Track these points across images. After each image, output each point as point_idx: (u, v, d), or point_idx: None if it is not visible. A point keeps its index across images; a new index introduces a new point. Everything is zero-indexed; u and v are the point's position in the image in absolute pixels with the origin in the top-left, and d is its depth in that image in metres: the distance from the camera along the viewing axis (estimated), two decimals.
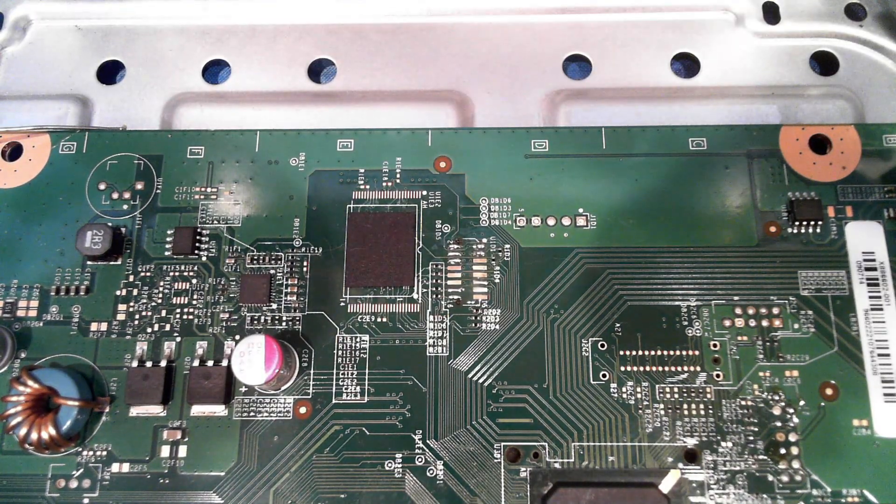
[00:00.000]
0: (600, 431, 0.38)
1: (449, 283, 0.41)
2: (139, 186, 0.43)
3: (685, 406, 0.38)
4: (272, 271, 0.41)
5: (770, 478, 0.37)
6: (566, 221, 0.41)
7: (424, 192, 0.42)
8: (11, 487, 0.38)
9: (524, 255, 0.41)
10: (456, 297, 0.40)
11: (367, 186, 0.42)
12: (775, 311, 0.40)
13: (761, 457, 0.37)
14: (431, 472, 0.38)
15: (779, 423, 0.38)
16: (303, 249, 0.41)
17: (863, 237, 0.41)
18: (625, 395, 0.39)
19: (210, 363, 0.39)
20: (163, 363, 0.39)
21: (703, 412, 0.38)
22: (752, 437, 0.38)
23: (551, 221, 0.41)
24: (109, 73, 0.50)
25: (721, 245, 0.41)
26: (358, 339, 0.40)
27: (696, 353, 0.39)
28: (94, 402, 0.38)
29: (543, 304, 0.40)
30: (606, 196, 0.42)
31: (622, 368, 0.39)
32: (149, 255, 0.41)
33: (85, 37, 0.50)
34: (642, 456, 0.38)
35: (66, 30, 0.51)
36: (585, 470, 0.38)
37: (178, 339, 0.40)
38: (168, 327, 0.40)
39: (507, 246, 0.41)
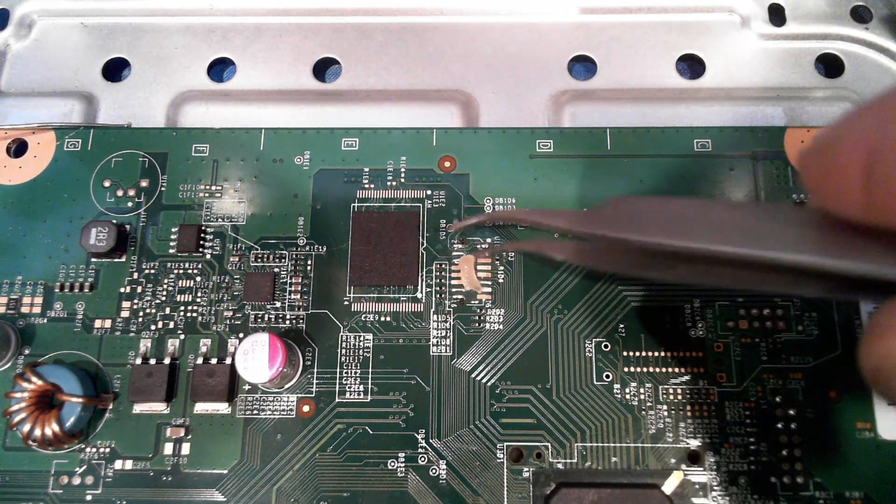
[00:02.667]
0: (603, 432, 0.38)
1: (453, 282, 0.41)
2: (144, 184, 0.43)
3: (688, 407, 0.38)
4: (276, 269, 0.41)
5: (772, 480, 0.37)
6: None
7: (429, 192, 0.42)
8: (15, 484, 0.38)
9: (528, 255, 0.41)
10: (460, 296, 0.40)
11: (372, 185, 0.42)
12: (779, 312, 0.39)
13: (764, 459, 0.37)
14: (434, 471, 0.38)
15: (781, 425, 0.38)
16: (307, 248, 0.41)
17: None
18: (628, 396, 0.39)
19: (214, 361, 0.39)
20: (166, 360, 0.39)
21: (706, 414, 0.38)
22: (754, 439, 0.38)
23: None
24: (115, 70, 0.50)
25: None
26: (361, 338, 0.40)
27: (700, 354, 0.39)
28: (98, 399, 0.38)
29: (547, 304, 0.40)
30: (610, 197, 0.42)
31: (625, 369, 0.39)
32: (153, 253, 0.41)
33: (90, 34, 0.50)
34: (645, 457, 0.38)
35: (72, 27, 0.51)
36: (588, 470, 0.38)
37: (182, 336, 0.40)
38: (172, 325, 0.40)
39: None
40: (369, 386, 0.39)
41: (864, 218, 0.18)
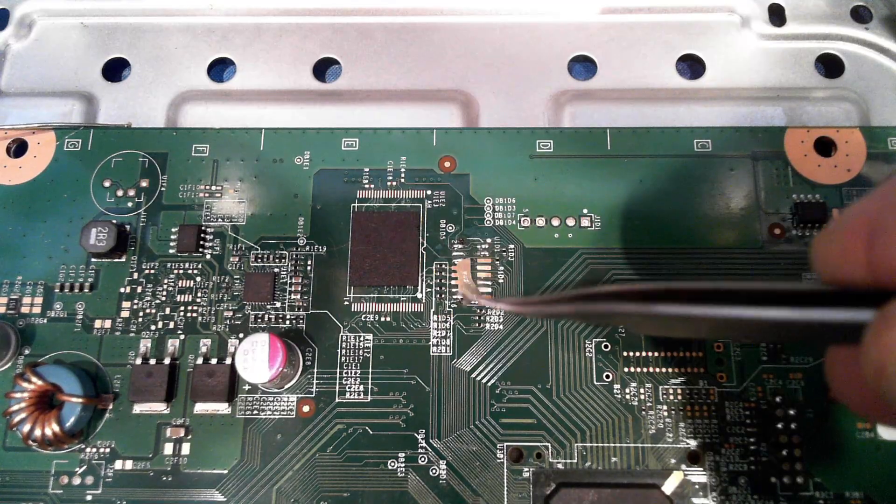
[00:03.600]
0: (603, 432, 0.38)
1: (453, 282, 0.41)
2: (144, 184, 0.43)
3: (688, 408, 0.38)
4: (276, 270, 0.41)
5: (772, 480, 0.37)
6: (570, 222, 0.41)
7: (429, 192, 0.42)
8: (15, 484, 0.38)
9: (528, 255, 0.41)
10: (460, 296, 0.40)
11: (372, 186, 0.42)
12: None
13: (764, 459, 0.37)
14: (434, 471, 0.38)
15: (781, 426, 0.38)
16: (307, 248, 0.41)
17: None
18: (628, 397, 0.39)
19: (214, 361, 0.39)
20: (166, 361, 0.39)
21: (706, 414, 0.38)
22: (754, 439, 0.38)
23: (555, 222, 0.41)
24: (115, 70, 0.50)
25: (725, 247, 0.41)
26: (361, 338, 0.40)
27: (700, 354, 0.39)
28: (98, 399, 0.38)
29: None
30: (611, 197, 0.42)
31: (626, 369, 0.39)
32: (153, 253, 0.41)
33: (90, 34, 0.50)
34: (645, 457, 0.38)
35: (72, 27, 0.51)
36: (588, 471, 0.38)
37: (182, 336, 0.40)
38: (172, 325, 0.40)
39: (511, 246, 0.41)
40: (369, 386, 0.39)
41: (865, 279, 0.21)
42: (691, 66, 0.49)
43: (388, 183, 0.42)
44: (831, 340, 0.25)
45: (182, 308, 0.40)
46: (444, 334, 0.40)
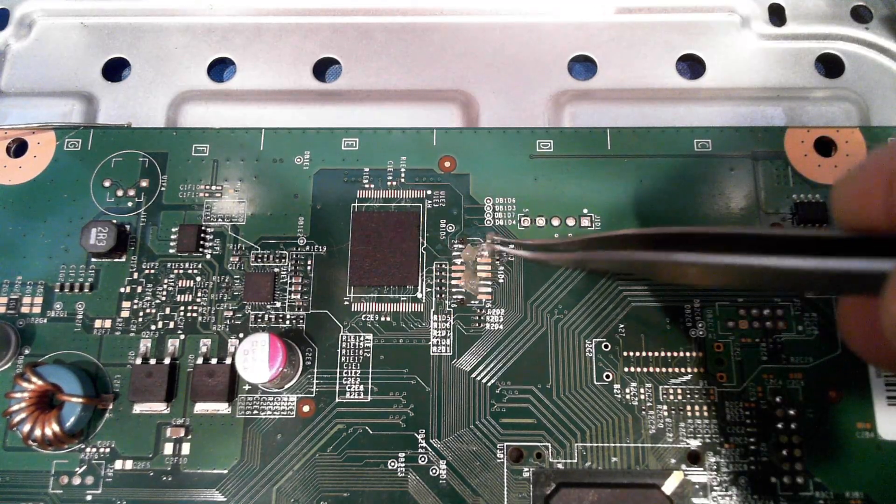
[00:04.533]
0: (603, 432, 0.38)
1: (453, 282, 0.41)
2: (144, 184, 0.43)
3: (688, 407, 0.38)
4: (276, 270, 0.41)
5: (772, 480, 0.37)
6: (570, 222, 0.41)
7: (429, 192, 0.42)
8: (15, 484, 0.38)
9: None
10: (460, 296, 0.40)
11: (372, 185, 0.42)
12: (779, 312, 0.39)
13: (764, 459, 0.37)
14: (434, 471, 0.38)
15: (782, 426, 0.38)
16: (307, 248, 0.41)
17: None
18: (628, 396, 0.39)
19: (214, 361, 0.39)
20: (166, 361, 0.39)
21: (706, 414, 0.38)
22: (754, 439, 0.38)
23: (555, 222, 0.41)
24: (115, 70, 0.50)
25: None
26: (361, 338, 0.40)
27: (700, 354, 0.39)
28: (98, 399, 0.38)
29: (547, 304, 0.40)
30: (610, 197, 0.42)
31: (626, 369, 0.39)
32: (153, 253, 0.41)
33: (90, 34, 0.50)
34: (645, 457, 0.38)
35: (72, 27, 0.51)
36: (588, 471, 0.38)
37: (182, 336, 0.40)
38: (172, 325, 0.40)
39: (512, 246, 0.41)
40: (369, 386, 0.39)
41: (885, 224, 0.21)
42: (691, 66, 0.49)
43: (388, 183, 0.42)
44: (849, 290, 0.23)
45: (182, 308, 0.40)
46: (444, 334, 0.40)
